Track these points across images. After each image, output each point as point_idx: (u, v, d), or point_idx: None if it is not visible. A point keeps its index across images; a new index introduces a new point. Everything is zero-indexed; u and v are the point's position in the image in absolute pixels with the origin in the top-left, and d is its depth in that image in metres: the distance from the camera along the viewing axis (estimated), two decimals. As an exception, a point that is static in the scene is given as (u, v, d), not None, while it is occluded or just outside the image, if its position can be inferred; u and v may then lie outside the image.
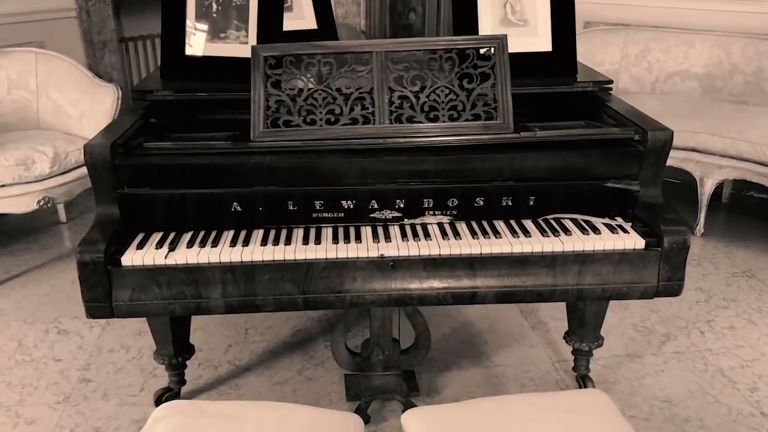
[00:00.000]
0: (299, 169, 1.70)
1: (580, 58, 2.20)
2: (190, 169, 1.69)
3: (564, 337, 2.23)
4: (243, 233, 1.73)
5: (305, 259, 1.63)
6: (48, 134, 3.17)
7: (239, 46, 2.09)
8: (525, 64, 2.09)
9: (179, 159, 1.69)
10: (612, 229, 1.72)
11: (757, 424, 2.13)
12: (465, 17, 2.13)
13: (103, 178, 1.67)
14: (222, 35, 2.10)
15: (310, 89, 1.79)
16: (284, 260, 1.63)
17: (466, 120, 1.79)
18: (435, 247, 1.65)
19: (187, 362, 2.18)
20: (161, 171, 1.68)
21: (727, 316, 2.73)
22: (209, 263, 1.62)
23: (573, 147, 1.75)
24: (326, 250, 1.64)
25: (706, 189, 3.34)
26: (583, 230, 1.72)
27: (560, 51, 2.16)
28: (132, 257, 1.61)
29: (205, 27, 2.10)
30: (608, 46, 3.96)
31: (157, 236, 1.71)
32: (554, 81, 2.06)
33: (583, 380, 2.25)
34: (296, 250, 1.64)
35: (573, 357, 2.26)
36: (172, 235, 1.71)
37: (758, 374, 2.37)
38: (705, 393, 2.27)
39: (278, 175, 1.71)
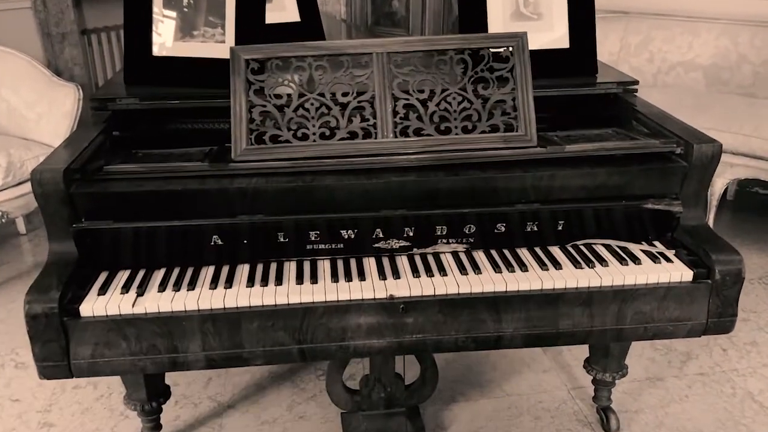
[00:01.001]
0: (291, 194, 1.44)
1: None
2: (161, 197, 1.42)
3: (584, 366, 2.01)
4: (225, 270, 1.47)
5: (300, 303, 1.38)
6: (1, 140, 2.86)
7: (215, 46, 1.81)
8: (540, 62, 1.83)
9: (147, 185, 1.42)
10: (653, 257, 1.49)
11: (797, 459, 1.94)
12: (472, 11, 1.88)
13: (56, 211, 1.39)
14: (195, 33, 1.82)
15: (300, 98, 1.52)
16: (275, 305, 1.37)
17: (483, 132, 1.55)
18: (453, 284, 1.41)
19: (163, 405, 1.92)
20: (126, 200, 1.41)
21: (748, 329, 2.54)
22: (186, 311, 1.36)
23: (607, 162, 1.52)
24: (325, 291, 1.39)
25: (717, 189, 3.13)
26: (621, 260, 1.49)
27: (578, 48, 1.92)
28: (93, 306, 1.34)
29: (175, 23, 1.82)
30: (607, 35, 3.73)
31: (123, 276, 1.44)
32: (573, 82, 1.82)
33: (605, 412, 2.04)
34: (289, 292, 1.39)
35: (594, 387, 2.05)
36: (140, 275, 1.44)
37: (790, 398, 2.18)
38: (737, 422, 2.07)
39: (266, 201, 1.44)
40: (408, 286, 1.41)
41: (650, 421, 2.09)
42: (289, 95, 1.53)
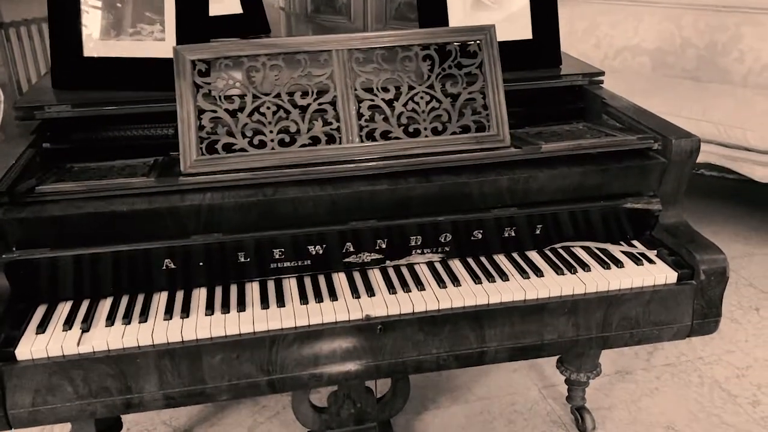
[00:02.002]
0: (251, 210, 1.31)
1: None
2: (104, 220, 1.26)
3: (557, 366, 1.96)
4: (180, 296, 1.33)
5: (267, 331, 1.25)
6: None
7: (154, 44, 1.65)
8: (503, 55, 1.75)
9: (87, 206, 1.25)
10: (635, 259, 1.43)
11: (768, 447, 1.95)
12: (432, 1, 1.77)
13: (-20, 240, 1.22)
14: (131, 30, 1.65)
15: (255, 101, 1.39)
16: (240, 335, 1.24)
17: (454, 133, 1.45)
18: (432, 300, 1.31)
19: (114, 438, 1.76)
20: (64, 224, 1.25)
21: (709, 315, 2.54)
22: (139, 347, 1.21)
23: (585, 161, 1.44)
24: (294, 315, 1.27)
25: (668, 174, 3.14)
26: (603, 264, 1.42)
27: (541, 38, 1.84)
28: (31, 347, 1.18)
29: (108, 20, 1.64)
30: (554, 21, 3.69)
31: (64, 310, 1.28)
32: (538, 75, 1.74)
33: (580, 412, 1.99)
34: (254, 319, 1.26)
35: (567, 386, 2.00)
36: (84, 307, 1.29)
37: (756, 384, 2.19)
38: (709, 414, 2.06)
39: (223, 218, 1.31)
40: (385, 304, 1.30)
41: (624, 417, 2.05)
42: (242, 99, 1.39)
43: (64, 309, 1.28)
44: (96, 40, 1.65)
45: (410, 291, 1.34)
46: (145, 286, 1.33)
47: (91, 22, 1.64)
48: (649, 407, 2.09)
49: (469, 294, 1.33)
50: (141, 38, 1.65)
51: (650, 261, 1.43)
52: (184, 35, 1.63)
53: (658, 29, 3.50)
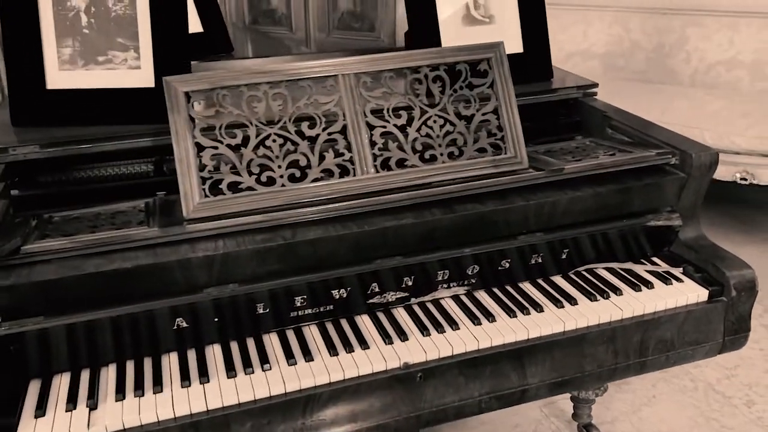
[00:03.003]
0: (269, 256, 1.18)
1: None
2: (105, 279, 1.10)
3: (563, 385, 1.91)
4: (193, 357, 1.19)
5: (300, 390, 1.13)
6: None
7: (129, 73, 1.49)
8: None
9: (85, 266, 1.10)
10: (663, 279, 1.39)
11: (771, 448, 1.97)
12: (422, 16, 1.69)
13: (-41, 314, 1.04)
14: (101, 58, 1.48)
15: (259, 134, 1.26)
16: (270, 397, 1.12)
17: (471, 157, 1.37)
18: (471, 340, 1.22)
19: None
20: (59, 288, 1.08)
21: (688, 316, 2.57)
22: (159, 422, 1.06)
23: (606, 180, 1.39)
24: (327, 370, 1.15)
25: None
26: (633, 286, 1.37)
27: (533, 51, 1.80)
28: (31, 436, 1.02)
29: (74, 47, 1.47)
30: (504, 27, 3.68)
31: (62, 384, 1.12)
32: (534, 89, 1.69)
33: (588, 430, 1.95)
34: (284, 378, 1.13)
35: (573, 404, 1.95)
36: (85, 379, 1.13)
37: (746, 384, 2.22)
38: (708, 418, 2.06)
39: (238, 268, 1.18)
40: (422, 348, 1.20)
41: (627, 429, 2.03)
42: (245, 132, 1.26)
43: (61, 384, 1.12)
44: (61, 70, 1.48)
45: (445, 331, 1.25)
46: (152, 348, 1.18)
47: (55, 52, 1.47)
48: (650, 417, 2.08)
49: (507, 330, 1.25)
50: (113, 67, 1.49)
51: (678, 279, 1.40)
52: (162, 62, 1.48)
53: (608, 33, 3.55)
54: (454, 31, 1.72)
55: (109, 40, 1.48)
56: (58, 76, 1.48)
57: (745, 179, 2.95)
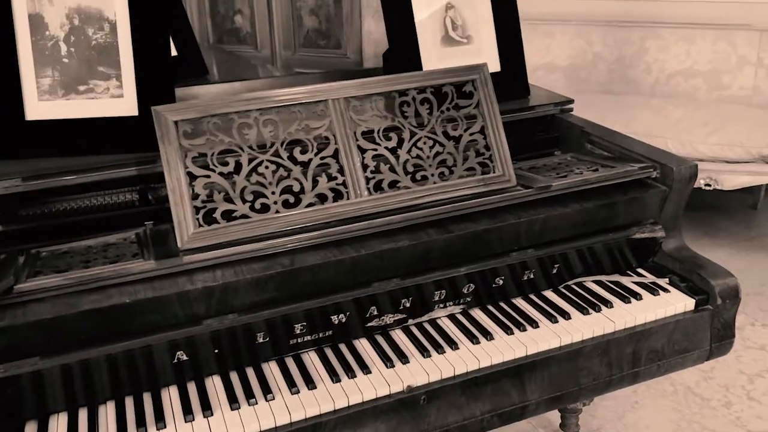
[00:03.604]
0: (269, 284, 1.18)
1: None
2: (102, 316, 1.08)
3: (551, 397, 1.93)
4: (193, 389, 1.17)
5: (305, 419, 1.12)
6: None
7: (111, 102, 1.47)
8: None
9: (83, 302, 1.07)
10: (650, 290, 1.43)
11: (751, 447, 2.02)
12: (402, 37, 1.71)
13: (-48, 359, 1.01)
14: (82, 88, 1.46)
15: (252, 161, 1.26)
16: (276, 428, 1.11)
17: (461, 177, 1.39)
18: (472, 360, 1.23)
19: None
20: (56, 327, 1.06)
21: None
22: (166, 459, 1.05)
23: (592, 196, 1.43)
24: (331, 397, 1.15)
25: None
26: (622, 298, 1.41)
27: (510, 70, 1.83)
28: (33, 482, 0.99)
29: (53, 77, 1.44)
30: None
31: (59, 426, 1.09)
32: (512, 106, 1.72)
33: (577, 439, 1.98)
34: (289, 407, 1.13)
35: (560, 415, 1.98)
36: (84, 419, 1.10)
37: (723, 385, 2.28)
38: (690, 421, 2.12)
39: (237, 297, 1.16)
40: (423, 371, 1.21)
41: (614, 436, 2.07)
42: (237, 159, 1.26)
43: (59, 426, 1.09)
44: (40, 101, 1.45)
45: (445, 352, 1.25)
46: (151, 383, 1.16)
47: (33, 81, 1.44)
48: (635, 423, 2.12)
49: (506, 348, 1.27)
50: (95, 96, 1.46)
51: (665, 290, 1.43)
52: (146, 90, 1.46)
53: (570, 46, 3.64)
54: (434, 52, 1.74)
55: (90, 69, 1.46)
56: (38, 107, 1.45)
57: (709, 185, 3.05)
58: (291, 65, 4.48)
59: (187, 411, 1.11)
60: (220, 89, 1.73)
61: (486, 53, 1.81)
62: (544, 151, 1.72)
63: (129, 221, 1.35)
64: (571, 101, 1.81)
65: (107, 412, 1.11)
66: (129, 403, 1.13)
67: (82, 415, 1.11)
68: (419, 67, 1.70)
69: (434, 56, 1.74)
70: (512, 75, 1.82)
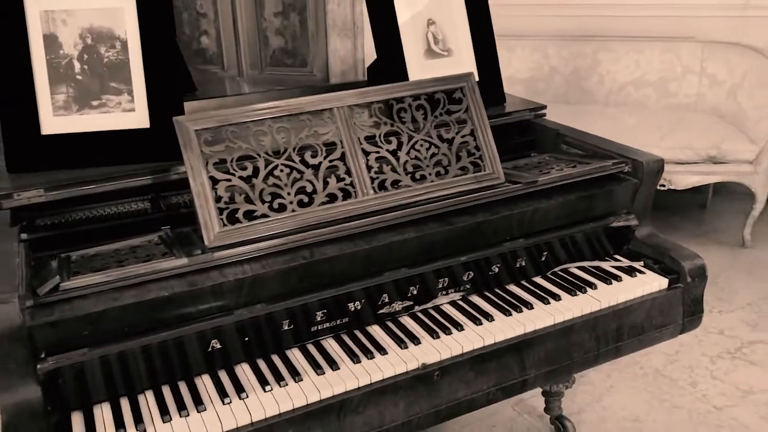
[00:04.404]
0: (292, 275, 1.28)
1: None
2: (145, 308, 1.17)
3: (536, 382, 2.07)
4: (224, 376, 1.26)
5: (333, 397, 1.23)
6: None
7: (124, 116, 1.56)
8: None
9: (125, 297, 1.16)
10: (629, 272, 1.59)
11: (718, 420, 2.20)
12: (390, 51, 1.84)
13: (7, 354, 1.08)
14: (95, 102, 1.54)
15: (268, 165, 1.37)
16: (307, 405, 1.21)
17: (455, 175, 1.52)
18: (477, 338, 1.36)
19: None
20: (101, 320, 1.14)
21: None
22: (210, 437, 1.13)
23: (574, 189, 1.58)
24: (354, 375, 1.26)
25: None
26: (604, 280, 1.55)
27: (487, 79, 1.98)
28: (89, 463, 1.06)
29: (68, 93, 1.53)
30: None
31: (104, 414, 1.16)
32: (490, 112, 1.85)
33: (561, 421, 2.12)
34: (318, 386, 1.23)
35: (544, 399, 2.12)
36: (126, 407, 1.18)
37: (688, 366, 2.46)
38: (661, 400, 2.28)
39: (265, 288, 1.27)
40: (435, 350, 1.33)
41: (593, 418, 2.21)
42: (254, 164, 1.36)
43: (104, 414, 1.16)
44: (55, 116, 1.52)
45: (452, 333, 1.37)
46: (185, 371, 1.25)
47: (49, 98, 1.52)
48: (612, 405, 2.27)
49: (507, 327, 1.39)
50: (108, 110, 1.55)
51: (641, 272, 1.59)
52: (156, 103, 1.56)
53: (529, 60, 3.84)
54: (418, 64, 1.88)
55: (102, 85, 1.54)
56: (53, 122, 1.53)
57: (664, 185, 3.26)
58: (258, 84, 4.57)
59: (224, 394, 1.20)
60: (213, 104, 1.83)
61: (465, 64, 1.96)
62: (522, 153, 1.86)
63: (146, 227, 1.43)
64: (544, 107, 1.98)
65: (147, 400, 1.19)
66: (166, 390, 1.22)
67: (124, 403, 1.19)
68: (406, 77, 1.83)
69: (419, 68, 1.87)
70: (489, 84, 1.97)
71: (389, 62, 1.83)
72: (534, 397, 2.26)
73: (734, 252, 3.32)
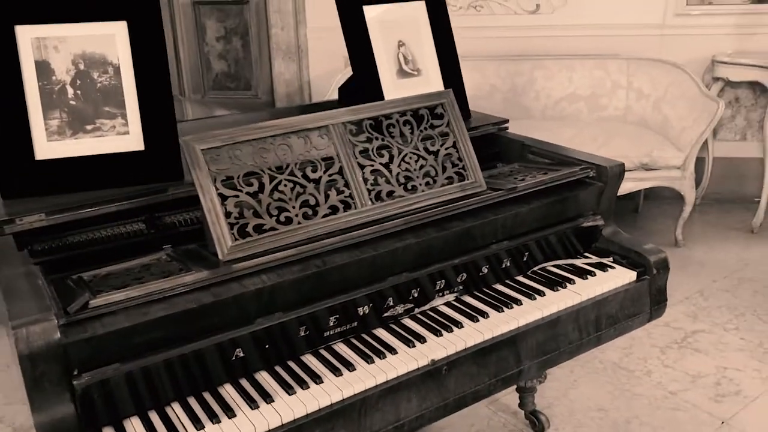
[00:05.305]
0: (306, 283, 1.35)
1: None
2: (173, 321, 1.21)
3: (511, 380, 2.19)
4: (246, 384, 1.31)
5: (354, 395, 1.30)
6: None
7: (119, 139, 1.59)
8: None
9: (154, 311, 1.20)
10: (601, 267, 1.73)
11: (674, 404, 2.38)
12: (365, 72, 1.95)
13: (43, 373, 1.10)
14: (89, 127, 1.57)
15: (272, 181, 1.43)
16: (331, 405, 1.27)
17: (442, 185, 1.63)
18: (477, 334, 1.46)
19: None
20: (133, 334, 1.17)
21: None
22: (245, 441, 1.18)
23: (548, 194, 1.71)
24: (371, 374, 1.33)
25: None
26: (581, 275, 1.69)
27: (455, 96, 2.10)
28: (133, 473, 1.09)
29: (61, 119, 1.55)
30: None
31: (135, 428, 1.19)
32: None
33: (535, 416, 2.25)
34: (339, 386, 1.30)
35: (519, 395, 2.24)
36: (157, 419, 1.21)
37: (642, 358, 2.65)
38: (623, 390, 2.45)
39: (281, 297, 1.33)
40: (441, 346, 1.42)
41: (563, 411, 2.36)
42: (259, 179, 1.43)
43: (136, 428, 1.19)
44: (50, 141, 1.54)
45: (453, 331, 1.47)
46: (207, 382, 1.29)
47: (42, 122, 1.54)
48: (579, 398, 2.42)
49: (502, 322, 1.50)
50: (103, 134, 1.58)
51: (611, 267, 1.74)
52: (150, 125, 1.60)
53: (470, 78, 4.00)
54: (392, 83, 1.99)
55: (96, 110, 1.57)
56: (47, 147, 1.54)
57: (603, 192, 3.49)
58: (202, 107, 4.58)
59: (250, 400, 1.25)
60: (195, 125, 1.88)
61: (433, 83, 2.09)
62: (489, 164, 1.99)
63: (147, 246, 1.47)
64: (506, 121, 2.13)
65: (176, 411, 1.23)
66: (193, 401, 1.25)
67: (154, 416, 1.21)
68: (381, 96, 1.94)
69: (392, 87, 1.99)
70: (457, 100, 2.10)
71: (365, 82, 1.93)
72: (505, 396, 2.38)
73: (668, 251, 3.53)
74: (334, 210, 1.48)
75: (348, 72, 3.96)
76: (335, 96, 3.76)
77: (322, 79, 4.29)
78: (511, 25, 4.07)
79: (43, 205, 1.44)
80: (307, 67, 4.32)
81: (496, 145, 2.07)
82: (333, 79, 3.97)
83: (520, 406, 2.25)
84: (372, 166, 1.55)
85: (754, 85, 3.97)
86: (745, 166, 4.15)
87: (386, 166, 1.57)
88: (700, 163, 3.73)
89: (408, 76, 2.04)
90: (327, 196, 1.48)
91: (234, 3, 4.39)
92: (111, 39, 1.58)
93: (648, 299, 1.73)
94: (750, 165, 4.13)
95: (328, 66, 4.25)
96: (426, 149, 1.63)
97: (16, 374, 1.23)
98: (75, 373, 1.14)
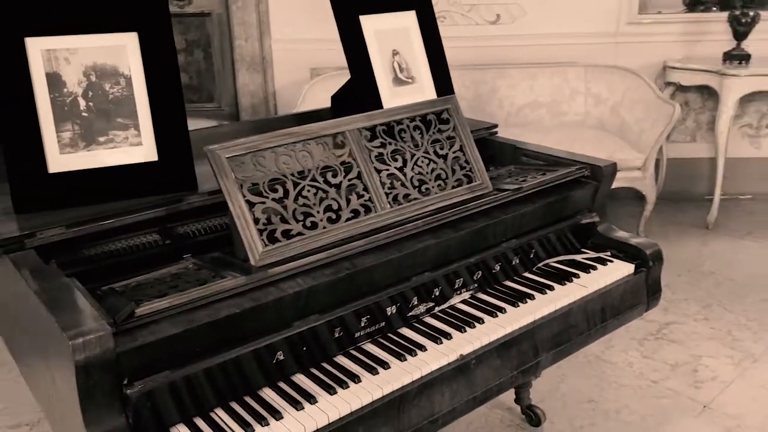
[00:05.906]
0: (339, 285, 1.38)
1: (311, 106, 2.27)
2: (219, 327, 1.21)
3: (508, 376, 2.26)
4: (287, 387, 1.32)
5: (393, 392, 1.33)
6: None
7: (132, 150, 1.59)
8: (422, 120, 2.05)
9: (199, 317, 1.20)
10: (601, 262, 1.82)
11: (657, 392, 2.50)
12: (364, 81, 1.99)
13: (96, 382, 1.09)
14: (102, 139, 1.56)
15: (296, 186, 1.46)
16: (372, 402, 1.30)
17: (453, 187, 1.69)
18: (500, 328, 1.52)
19: None
20: (181, 341, 1.17)
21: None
22: (294, 441, 1.20)
23: (549, 194, 1.79)
24: (407, 371, 1.37)
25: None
26: (584, 270, 1.77)
27: (445, 102, 2.17)
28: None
29: (73, 131, 1.53)
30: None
31: (184, 434, 1.19)
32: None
33: (531, 410, 2.32)
34: (379, 384, 1.33)
35: (515, 390, 2.31)
36: (203, 425, 1.21)
37: (622, 350, 2.77)
38: (609, 381, 2.56)
39: (317, 300, 1.35)
40: (468, 341, 1.47)
41: (556, 405, 2.44)
42: (283, 185, 1.45)
43: (184, 434, 1.19)
44: (62, 153, 1.52)
45: (475, 327, 1.52)
46: (246, 386, 1.30)
47: (54, 135, 1.52)
48: (569, 392, 2.51)
49: (519, 316, 1.56)
50: (116, 145, 1.57)
51: (610, 261, 1.83)
52: (163, 136, 1.60)
53: (435, 87, 4.11)
54: (389, 91, 2.04)
55: (108, 121, 1.56)
56: (60, 160, 1.53)
57: (570, 194, 3.62)
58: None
59: (294, 402, 1.27)
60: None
61: (427, 90, 2.15)
62: (488, 167, 2.06)
63: (169, 256, 1.47)
64: (496, 125, 2.21)
65: (221, 416, 1.23)
66: (237, 407, 1.26)
67: (200, 423, 1.22)
68: (380, 104, 1.98)
69: (389, 94, 2.03)
70: (447, 107, 2.17)
71: (364, 90, 1.97)
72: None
73: (633, 249, 3.74)
74: (355, 213, 1.51)
75: (315, 83, 4.00)
76: (305, 107, 3.80)
77: (288, 89, 4.30)
78: (474, 35, 4.19)
79: (59, 219, 1.43)
80: (272, 78, 4.33)
81: (489, 148, 2.14)
82: (299, 90, 3.99)
83: (516, 401, 2.32)
84: (388, 170, 1.60)
85: (702, 89, 4.20)
86: (695, 166, 4.38)
87: (400, 169, 1.62)
88: (655, 164, 3.91)
89: (403, 83, 2.09)
90: (348, 201, 1.51)
91: (195, 15, 4.36)
92: (122, 50, 1.57)
93: (645, 290, 1.83)
94: (700, 165, 4.36)
95: (293, 77, 4.27)
96: (436, 153, 1.69)
97: (50, 390, 1.21)
98: (125, 382, 1.13)
